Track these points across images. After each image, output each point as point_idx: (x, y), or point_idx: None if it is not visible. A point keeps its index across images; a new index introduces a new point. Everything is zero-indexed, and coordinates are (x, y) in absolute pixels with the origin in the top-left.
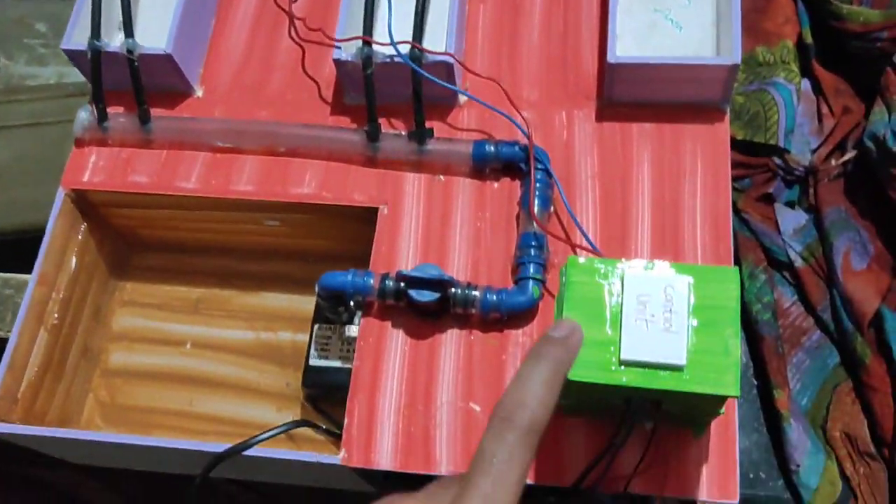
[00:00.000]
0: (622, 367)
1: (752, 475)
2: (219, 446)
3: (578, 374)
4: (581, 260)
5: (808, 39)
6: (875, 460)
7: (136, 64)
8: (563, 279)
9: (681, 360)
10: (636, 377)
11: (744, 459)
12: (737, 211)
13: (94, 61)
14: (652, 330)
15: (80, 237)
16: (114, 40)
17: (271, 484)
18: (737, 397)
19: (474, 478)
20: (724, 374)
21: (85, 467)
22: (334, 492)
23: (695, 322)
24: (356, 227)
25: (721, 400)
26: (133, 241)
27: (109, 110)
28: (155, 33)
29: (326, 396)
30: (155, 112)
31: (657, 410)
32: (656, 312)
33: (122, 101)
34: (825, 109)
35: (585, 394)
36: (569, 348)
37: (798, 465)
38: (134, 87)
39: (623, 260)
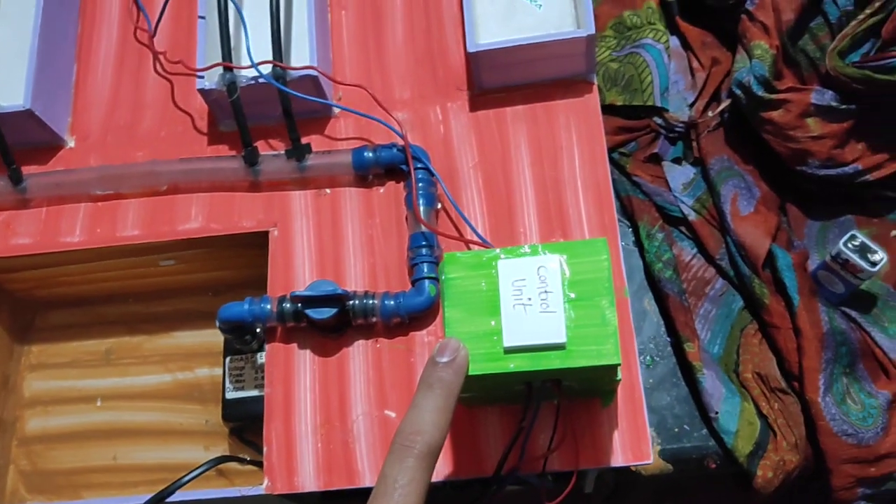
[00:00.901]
0: (508, 355)
1: (676, 429)
2: (141, 498)
3: (469, 368)
4: (456, 255)
5: None
6: (787, 394)
7: None
8: (442, 277)
9: (561, 338)
10: (522, 362)
11: (667, 415)
12: (627, 175)
13: None
14: (530, 313)
15: None
16: None
17: None
18: (618, 365)
19: (380, 502)
20: (605, 344)
21: None
22: None
23: (572, 295)
24: (252, 253)
25: (610, 368)
26: (32, 303)
27: None
28: (12, 89)
29: (250, 426)
30: (27, 170)
31: (559, 388)
32: (532, 295)
33: None
34: (695, 64)
35: (484, 385)
36: (456, 370)
37: (717, 412)
38: None
39: (497, 249)
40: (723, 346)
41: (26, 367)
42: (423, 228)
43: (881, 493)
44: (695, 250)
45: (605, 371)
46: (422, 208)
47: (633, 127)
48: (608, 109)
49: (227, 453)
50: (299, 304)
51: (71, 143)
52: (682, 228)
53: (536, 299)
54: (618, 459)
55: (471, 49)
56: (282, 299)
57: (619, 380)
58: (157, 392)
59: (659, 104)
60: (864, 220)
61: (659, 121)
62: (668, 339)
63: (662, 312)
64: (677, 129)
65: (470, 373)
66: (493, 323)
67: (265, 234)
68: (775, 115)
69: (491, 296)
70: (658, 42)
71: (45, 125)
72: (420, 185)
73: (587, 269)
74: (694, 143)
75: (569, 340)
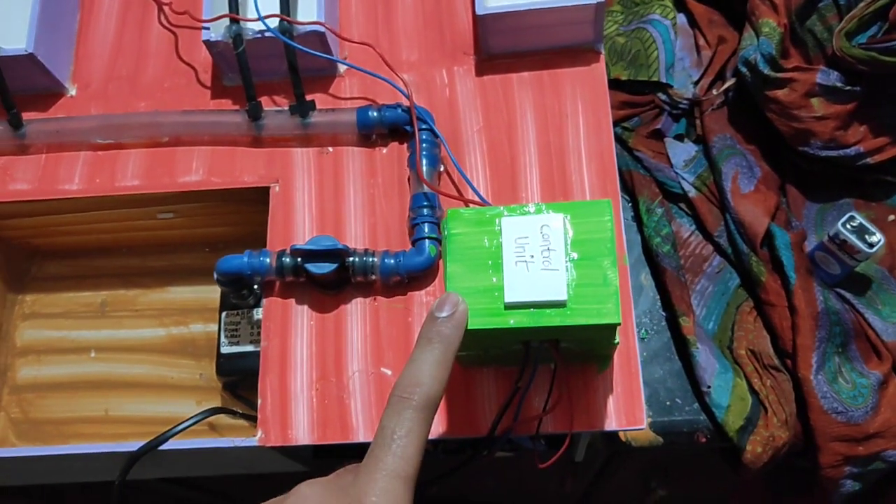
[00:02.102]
0: (508, 311)
1: (668, 402)
2: (133, 446)
3: (469, 323)
4: (460, 211)
5: None
6: (779, 371)
7: None
8: (445, 233)
9: (562, 295)
10: (523, 318)
11: (659, 388)
12: (629, 149)
13: None
14: (532, 270)
15: None
16: None
17: (216, 479)
18: (618, 325)
19: (377, 452)
20: (606, 304)
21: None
22: (280, 479)
23: (574, 255)
24: (252, 209)
25: (611, 329)
26: (28, 251)
27: None
28: (15, 33)
29: (244, 382)
30: (27, 116)
31: (557, 349)
32: (535, 253)
33: None
34: (702, 41)
35: (482, 342)
36: (455, 325)
37: (709, 387)
38: None
39: (500, 206)
40: (717, 323)
41: (19, 316)
42: (426, 189)
43: (867, 472)
44: (693, 227)
45: (604, 331)
46: (425, 168)
47: (637, 102)
48: (613, 84)
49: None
50: (299, 259)
51: (72, 91)
52: (682, 205)
53: (539, 257)
54: (611, 423)
55: (479, 11)
56: (281, 253)
57: (617, 343)
58: (151, 346)
59: (664, 80)
60: (862, 203)
61: (663, 97)
62: (663, 313)
63: (659, 287)
64: (681, 105)
65: (469, 327)
66: (494, 279)
67: (266, 189)
68: (780, 93)
69: (493, 252)
70: (665, 18)
71: (47, 71)
72: (424, 145)
73: (590, 230)
74: (697, 121)
75: (570, 299)
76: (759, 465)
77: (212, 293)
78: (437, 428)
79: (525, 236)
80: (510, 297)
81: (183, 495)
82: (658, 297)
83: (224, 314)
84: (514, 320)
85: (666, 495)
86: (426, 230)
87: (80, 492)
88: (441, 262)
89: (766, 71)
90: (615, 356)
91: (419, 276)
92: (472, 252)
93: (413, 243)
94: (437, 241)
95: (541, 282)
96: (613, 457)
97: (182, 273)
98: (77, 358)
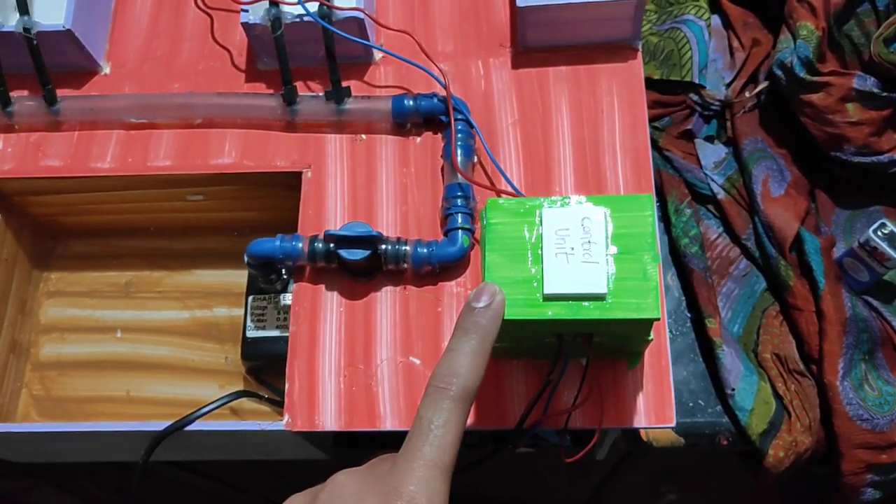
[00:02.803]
0: (547, 302)
1: (691, 404)
2: (159, 425)
3: (507, 312)
4: (499, 201)
5: None
6: (804, 377)
7: (34, 42)
8: (484, 222)
9: (602, 288)
10: (561, 310)
11: (683, 389)
12: (659, 149)
13: None
14: (572, 262)
15: None
16: (9, 20)
17: (213, 464)
18: (657, 319)
19: (415, 442)
20: (645, 298)
21: (38, 473)
22: (277, 468)
23: (614, 250)
24: (282, 194)
25: (647, 324)
26: (55, 229)
27: (12, 94)
28: (53, 10)
29: (268, 367)
30: (61, 92)
31: (589, 343)
32: (575, 245)
33: (26, 83)
34: (735, 43)
35: (517, 333)
36: (492, 315)
37: (733, 389)
38: (36, 67)
39: (541, 198)
40: (743, 326)
41: (44, 294)
42: (460, 179)
43: (889, 480)
44: (721, 229)
45: (641, 327)
46: (460, 159)
47: (669, 102)
48: (645, 83)
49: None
50: (332, 244)
51: (107, 70)
52: (710, 207)
53: (579, 249)
54: (641, 421)
55: (520, 3)
56: (314, 238)
57: (651, 340)
58: (175, 328)
59: (697, 81)
60: (892, 211)
61: (695, 97)
62: (688, 314)
63: (685, 288)
64: (713, 107)
65: (507, 317)
66: (533, 270)
67: (298, 174)
68: (815, 97)
69: (532, 243)
70: (700, 18)
71: (83, 48)
72: (459, 136)
73: (631, 224)
74: (728, 123)
75: (609, 292)
76: (781, 469)
77: (237, 277)
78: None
79: (566, 227)
80: (549, 288)
81: (196, 483)
82: (683, 297)
83: (251, 298)
84: (552, 312)
85: (676, 499)
86: (459, 220)
87: (89, 476)
88: (472, 253)
89: (803, 74)
90: (646, 353)
91: (451, 266)
92: (512, 242)
93: (445, 233)
94: (471, 231)
95: (581, 274)
96: (625, 458)
97: (208, 256)
98: (100, 337)
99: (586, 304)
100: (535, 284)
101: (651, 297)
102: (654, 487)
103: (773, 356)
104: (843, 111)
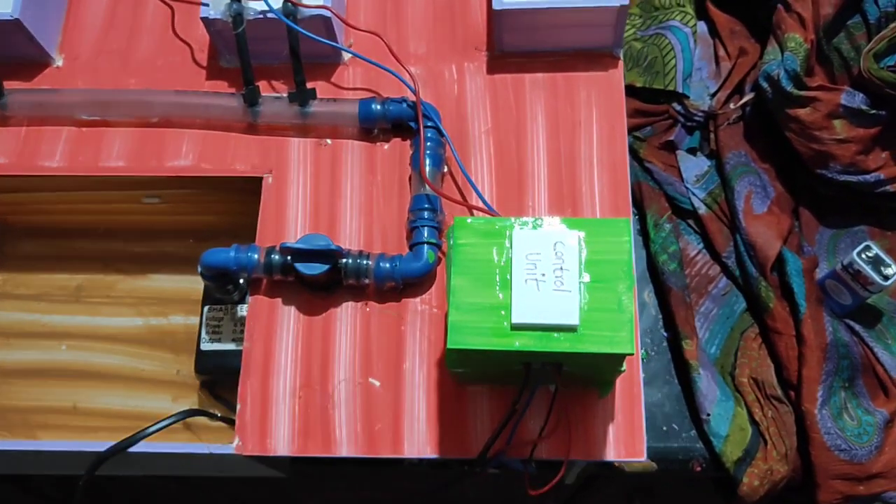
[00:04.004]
0: (515, 332)
1: (665, 428)
2: (101, 445)
3: (470, 341)
4: (468, 220)
5: None
6: (782, 403)
7: None
8: (451, 242)
9: (573, 320)
10: (529, 341)
11: (657, 412)
12: (640, 160)
13: None
14: (543, 290)
15: None
16: None
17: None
18: (631, 355)
19: None
20: (619, 332)
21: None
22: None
23: (587, 278)
24: (242, 199)
25: (620, 357)
26: (2, 229)
27: None
28: None
29: (223, 381)
30: (9, 85)
31: (559, 373)
32: (547, 271)
33: None
34: (721, 52)
35: (482, 361)
36: None
37: (709, 415)
38: None
39: (511, 218)
40: (720, 348)
41: None
42: (428, 190)
43: None
44: (701, 245)
45: (613, 360)
46: (428, 169)
47: (651, 111)
48: (627, 90)
49: (197, 407)
50: (289, 257)
51: (59, 62)
52: (690, 222)
53: (550, 276)
54: (610, 454)
55: (497, 6)
56: (270, 250)
57: (623, 370)
58: (127, 336)
59: (681, 90)
60: (877, 231)
61: (678, 107)
62: (665, 333)
63: (662, 306)
64: (696, 118)
65: (472, 346)
66: (501, 296)
67: (258, 180)
68: (802, 112)
69: (501, 267)
70: (685, 25)
71: (33, 38)
72: (428, 143)
73: (607, 250)
74: (711, 135)
75: (581, 324)
76: (755, 498)
77: (194, 283)
78: (425, 447)
79: (537, 252)
80: (518, 317)
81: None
82: (660, 315)
83: (206, 308)
84: (519, 342)
85: None
86: (425, 234)
87: (45, 477)
88: (438, 269)
89: (789, 88)
90: (617, 382)
91: (415, 282)
92: (480, 265)
93: (411, 247)
94: (437, 246)
95: (551, 303)
96: (597, 477)
97: (164, 261)
98: (48, 343)
99: (556, 335)
100: (502, 312)
101: (625, 330)
102: (628, 502)
103: (751, 380)
104: (829, 127)
